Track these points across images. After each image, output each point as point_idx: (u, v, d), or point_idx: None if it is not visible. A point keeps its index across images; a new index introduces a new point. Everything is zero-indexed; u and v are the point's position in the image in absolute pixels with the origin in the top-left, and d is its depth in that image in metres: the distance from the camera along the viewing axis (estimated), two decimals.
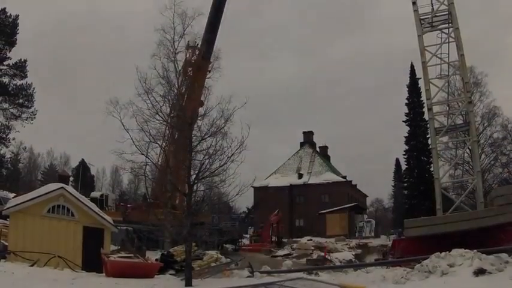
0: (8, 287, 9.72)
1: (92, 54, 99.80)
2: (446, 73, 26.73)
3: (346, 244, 35.83)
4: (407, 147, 43.28)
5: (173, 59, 25.85)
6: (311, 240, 37.19)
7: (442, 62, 25.75)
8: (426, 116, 31.22)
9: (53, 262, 14.29)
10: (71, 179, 44.07)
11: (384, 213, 73.71)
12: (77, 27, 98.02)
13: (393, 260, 20.13)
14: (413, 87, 43.36)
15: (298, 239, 40.07)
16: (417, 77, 40.96)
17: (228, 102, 14.33)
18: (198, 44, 28.75)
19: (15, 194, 24.43)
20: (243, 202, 51.26)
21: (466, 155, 35.41)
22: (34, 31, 79.09)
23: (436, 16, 25.60)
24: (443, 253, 12.81)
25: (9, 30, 36.69)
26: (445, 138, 32.23)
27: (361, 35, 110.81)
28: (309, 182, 58.02)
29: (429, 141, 32.36)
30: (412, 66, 42.62)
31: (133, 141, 18.58)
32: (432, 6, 25.68)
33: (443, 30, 25.55)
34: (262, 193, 54.12)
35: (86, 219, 16.38)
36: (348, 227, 46.38)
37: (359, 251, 33.37)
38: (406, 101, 43.75)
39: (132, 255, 15.46)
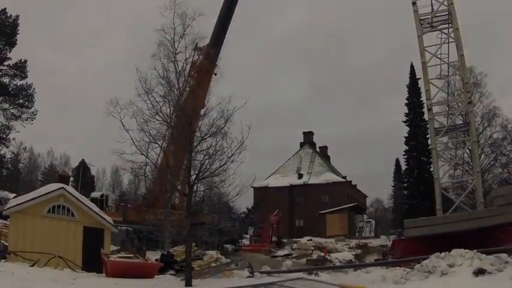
0: (8, 287, 9.72)
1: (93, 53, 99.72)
2: (446, 73, 26.74)
3: (346, 244, 35.87)
4: (407, 148, 43.33)
5: (173, 59, 25.82)
6: (311, 240, 37.21)
7: (442, 62, 25.76)
8: (426, 116, 31.25)
9: (53, 262, 14.31)
10: (71, 179, 44.01)
11: (384, 214, 73.76)
12: (77, 27, 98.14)
13: (393, 260, 20.13)
14: (413, 87, 43.40)
15: (298, 239, 40.10)
16: (417, 77, 41.04)
17: (228, 103, 14.36)
18: (204, 46, 28.73)
19: (15, 194, 24.43)
20: (243, 202, 51.38)
21: (465, 155, 35.42)
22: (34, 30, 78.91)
23: (436, 16, 25.59)
24: (443, 253, 12.82)
25: (10, 30, 36.70)
26: (445, 139, 32.28)
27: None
28: (309, 182, 58.05)
29: (429, 142, 32.39)
30: (412, 67, 42.71)
31: (133, 142, 18.65)
32: (432, 6, 25.72)
33: (443, 31, 25.56)
34: (262, 193, 54.15)
35: (86, 219, 16.39)
36: (348, 227, 46.42)
37: (359, 251, 33.41)
38: (406, 101, 43.82)
39: (132, 255, 15.46)
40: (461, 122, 30.16)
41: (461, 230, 18.89)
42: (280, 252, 33.03)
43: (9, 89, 36.90)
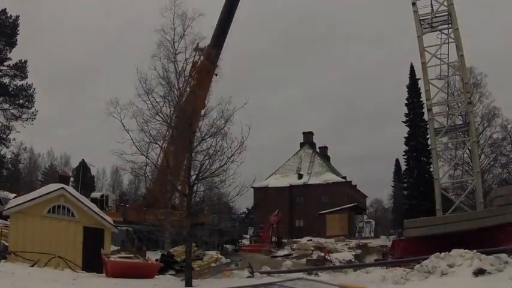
0: (9, 287, 9.73)
1: (92, 55, 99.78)
2: (446, 74, 26.78)
3: (346, 244, 35.89)
4: (407, 148, 43.35)
5: (173, 59, 25.81)
6: (311, 240, 37.25)
7: (442, 62, 25.80)
8: (426, 117, 31.26)
9: (53, 262, 14.31)
10: (71, 179, 43.99)
11: (384, 214, 73.79)
12: (77, 27, 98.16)
13: (393, 260, 20.13)
14: (413, 87, 43.41)
15: (298, 240, 40.14)
16: (417, 77, 41.06)
17: (228, 103, 14.37)
18: (205, 47, 28.77)
19: (15, 195, 24.43)
20: (243, 202, 51.33)
21: (465, 155, 35.44)
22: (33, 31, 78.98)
23: (436, 17, 25.64)
24: (442, 253, 12.84)
25: (10, 31, 36.71)
26: (444, 139, 32.29)
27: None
28: (308, 183, 58.09)
29: (429, 142, 32.40)
30: (411, 67, 42.72)
31: (133, 142, 18.72)
32: (432, 7, 25.76)
33: (443, 31, 25.60)
34: (262, 193, 54.16)
35: (86, 219, 16.39)
36: (348, 228, 46.41)
37: (359, 251, 33.45)
38: (406, 102, 43.83)
39: (132, 255, 15.45)
40: (461, 122, 30.21)
41: (461, 230, 18.91)
42: (280, 253, 33.08)
43: (10, 90, 36.91)
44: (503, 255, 12.57)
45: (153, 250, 23.29)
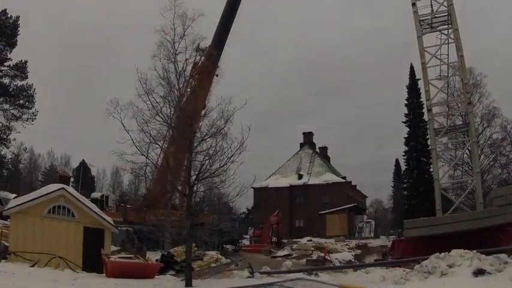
0: None
1: (92, 55, 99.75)
2: (446, 74, 26.80)
3: (346, 245, 35.93)
4: (406, 148, 43.37)
5: (173, 60, 25.80)
6: (311, 240, 37.30)
7: (442, 63, 25.83)
8: (426, 117, 31.29)
9: (54, 263, 14.33)
10: (72, 179, 44.04)
11: (384, 214, 73.84)
12: (77, 28, 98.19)
13: (393, 260, 20.14)
14: (412, 88, 43.44)
15: (298, 240, 40.19)
16: (417, 77, 41.10)
17: (228, 103, 14.37)
18: (206, 47, 28.78)
19: (15, 195, 24.48)
20: (243, 203, 51.30)
21: (465, 155, 35.47)
22: (33, 30, 78.92)
23: (436, 17, 25.66)
24: (442, 254, 12.85)
25: (10, 31, 36.71)
26: (444, 139, 32.30)
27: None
28: (308, 183, 58.12)
29: (429, 142, 32.41)
30: (411, 67, 42.75)
31: (133, 142, 18.71)
32: (432, 7, 25.78)
33: (443, 32, 25.62)
34: (262, 194, 54.20)
35: (87, 219, 16.41)
36: (348, 228, 46.44)
37: (359, 251, 33.48)
38: (406, 102, 43.86)
39: (132, 255, 15.47)
40: (461, 122, 30.24)
41: (460, 231, 18.92)
42: (280, 253, 33.10)
43: (10, 90, 36.91)
44: (503, 256, 12.57)
45: (153, 250, 23.31)
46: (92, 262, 14.99)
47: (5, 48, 36.63)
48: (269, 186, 57.36)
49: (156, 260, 17.25)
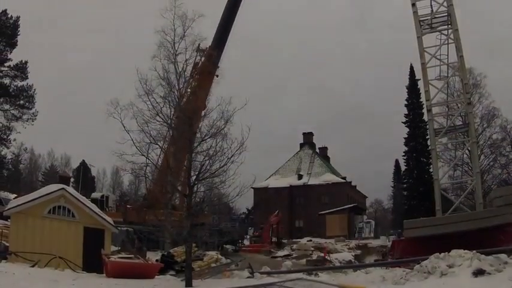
0: None
1: (92, 55, 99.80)
2: (446, 74, 26.82)
3: (346, 245, 35.92)
4: (406, 149, 43.39)
5: (173, 60, 25.79)
6: (311, 241, 37.28)
7: (442, 63, 25.85)
8: (425, 117, 31.31)
9: (54, 263, 14.35)
10: (72, 180, 44.01)
11: (384, 214, 73.83)
12: (77, 28, 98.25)
13: (392, 260, 20.15)
14: (412, 88, 43.48)
15: (298, 240, 40.17)
16: (416, 78, 41.11)
17: (228, 103, 14.38)
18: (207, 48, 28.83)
19: (16, 195, 24.53)
20: (243, 203, 51.39)
21: (465, 156, 35.49)
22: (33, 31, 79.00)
23: (436, 18, 25.69)
24: (442, 254, 12.83)
25: (10, 31, 36.74)
26: (444, 140, 32.29)
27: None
28: (308, 183, 58.11)
29: (428, 143, 32.42)
30: (411, 68, 42.78)
31: (133, 143, 18.64)
32: (431, 7, 25.80)
33: (443, 32, 25.65)
34: (262, 194, 54.19)
35: (87, 220, 16.43)
36: (348, 228, 46.46)
37: (358, 251, 33.46)
38: (406, 102, 43.88)
39: (132, 255, 15.51)
40: (460, 122, 30.31)
41: (460, 231, 18.93)
42: (280, 253, 33.07)
43: (10, 90, 36.94)
44: (503, 256, 12.57)
45: (154, 250, 23.35)
46: (92, 262, 15.02)
47: (5, 49, 36.67)
48: (269, 187, 57.33)
49: (156, 260, 17.31)
